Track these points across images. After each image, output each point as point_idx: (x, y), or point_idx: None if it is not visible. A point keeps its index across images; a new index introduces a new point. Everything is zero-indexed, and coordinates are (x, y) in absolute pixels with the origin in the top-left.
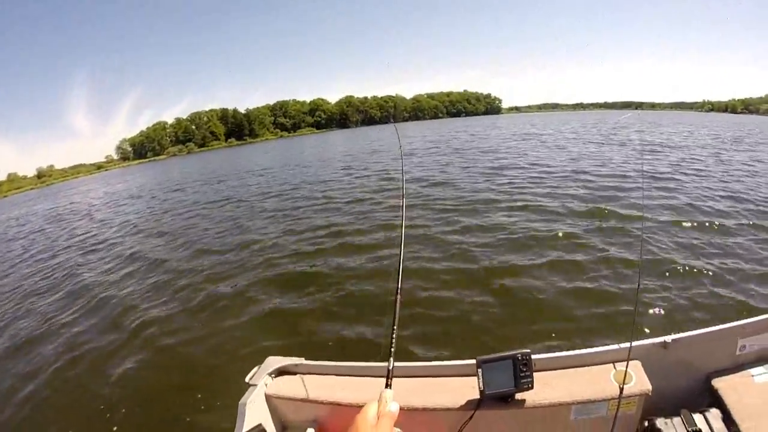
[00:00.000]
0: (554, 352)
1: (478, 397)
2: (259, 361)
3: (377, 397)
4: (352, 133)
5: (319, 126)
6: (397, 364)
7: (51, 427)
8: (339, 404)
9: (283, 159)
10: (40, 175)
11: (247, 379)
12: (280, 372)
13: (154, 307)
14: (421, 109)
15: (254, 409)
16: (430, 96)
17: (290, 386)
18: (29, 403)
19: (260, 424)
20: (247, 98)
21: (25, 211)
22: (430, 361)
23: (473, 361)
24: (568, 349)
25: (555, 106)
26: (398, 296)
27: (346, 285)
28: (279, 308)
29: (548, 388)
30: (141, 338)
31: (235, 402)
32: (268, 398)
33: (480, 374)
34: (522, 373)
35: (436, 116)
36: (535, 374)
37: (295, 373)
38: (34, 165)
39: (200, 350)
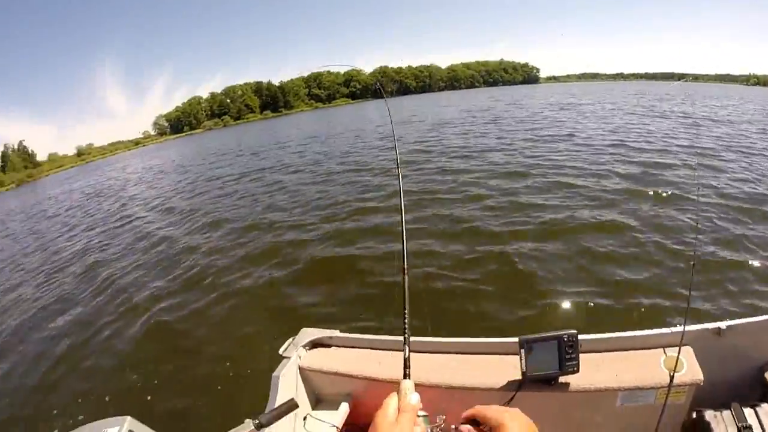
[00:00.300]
0: (601, 333)
1: (520, 378)
2: (293, 333)
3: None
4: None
5: (354, 96)
6: (433, 339)
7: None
8: (374, 379)
9: (318, 130)
10: (80, 154)
11: (280, 351)
12: (314, 344)
13: (181, 277)
14: (457, 79)
15: (287, 382)
16: (466, 65)
17: (324, 359)
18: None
19: (293, 399)
20: (279, 72)
21: (66, 188)
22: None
23: (515, 340)
24: (615, 331)
25: (594, 76)
26: (405, 276)
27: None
28: (317, 281)
29: (595, 371)
30: (168, 306)
31: (267, 373)
32: (302, 371)
33: (522, 354)
34: (568, 355)
35: (472, 85)
36: (580, 356)
37: (329, 346)
38: (74, 144)
39: (232, 320)
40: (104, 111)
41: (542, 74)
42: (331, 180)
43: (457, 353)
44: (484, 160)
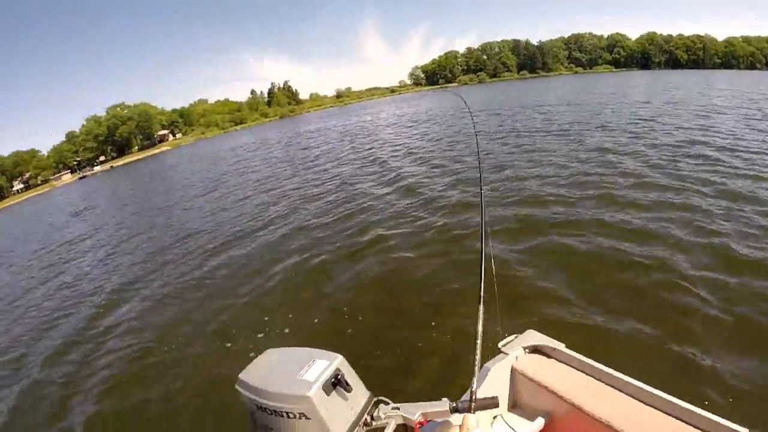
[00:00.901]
0: None
1: None
2: (519, 331)
3: (624, 413)
4: (653, 76)
5: (617, 64)
6: (663, 395)
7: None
8: (579, 408)
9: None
10: (339, 96)
11: (500, 345)
12: (535, 349)
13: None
14: (735, 56)
15: (496, 377)
16: (746, 40)
17: (539, 368)
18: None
19: (497, 397)
20: (537, 30)
21: (324, 125)
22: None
23: None
24: None
25: None
26: (481, 296)
27: None
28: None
29: None
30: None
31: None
32: (513, 371)
33: None
34: None
35: (752, 66)
36: None
37: (548, 356)
38: (332, 86)
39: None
40: (363, 57)
41: None
42: None
43: (675, 418)
44: None
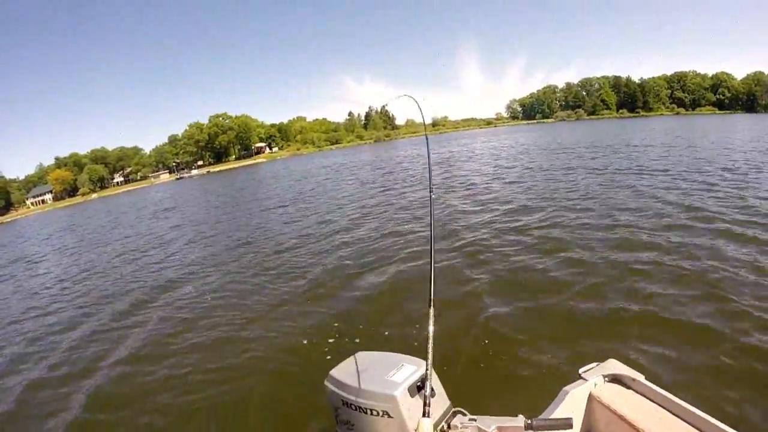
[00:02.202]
0: None
1: None
2: (600, 358)
3: None
4: (759, 119)
5: (721, 106)
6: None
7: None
8: None
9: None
10: (435, 124)
11: (581, 371)
12: (614, 378)
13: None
14: None
15: (573, 402)
16: None
17: (617, 398)
18: None
19: (570, 419)
20: (640, 66)
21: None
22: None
23: None
24: None
25: None
26: (431, 308)
27: None
28: None
29: None
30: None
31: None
32: (591, 399)
33: None
34: None
35: None
36: None
37: (628, 387)
38: (428, 114)
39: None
40: (459, 86)
41: None
42: None
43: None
44: None
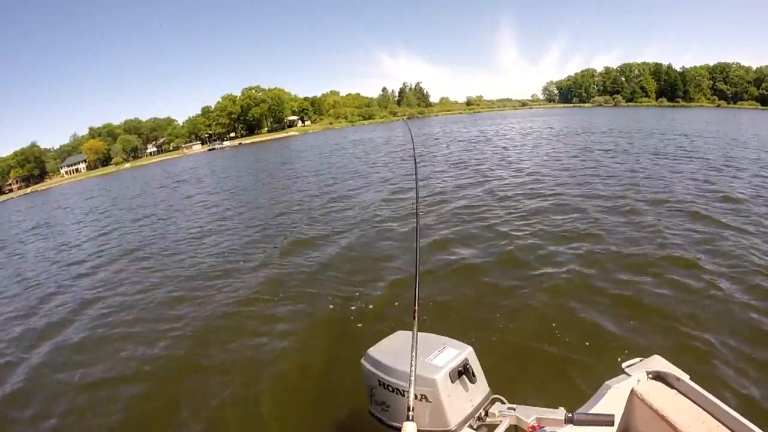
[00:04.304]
0: None
1: None
2: (645, 353)
3: None
4: None
5: (764, 101)
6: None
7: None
8: None
9: None
10: (469, 103)
11: (624, 365)
12: (658, 376)
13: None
14: None
15: (614, 397)
16: None
17: (659, 396)
18: None
19: (612, 416)
20: (683, 55)
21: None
22: None
23: None
24: None
25: None
26: (416, 307)
27: None
28: None
29: None
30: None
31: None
32: (632, 395)
33: None
34: None
35: None
36: None
37: (671, 386)
38: (463, 92)
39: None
40: (496, 66)
41: None
42: None
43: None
44: None
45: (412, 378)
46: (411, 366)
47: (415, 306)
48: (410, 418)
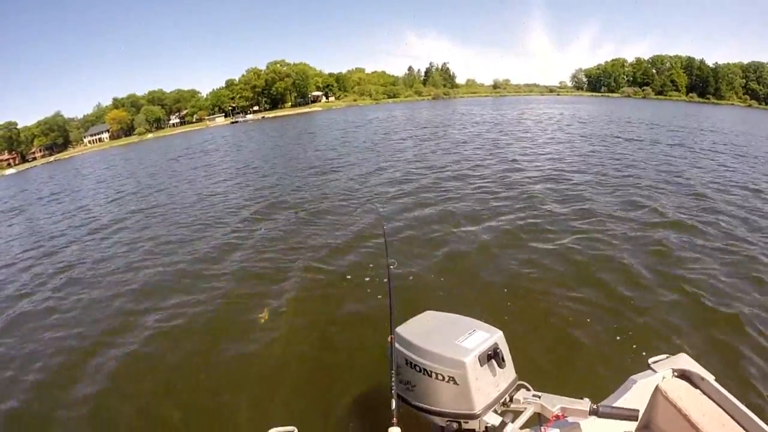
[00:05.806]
0: None
1: None
2: (671, 350)
3: None
4: None
5: None
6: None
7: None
8: None
9: None
10: (495, 86)
11: (650, 361)
12: (683, 374)
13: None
14: None
15: (638, 392)
16: None
17: (683, 395)
18: None
19: (636, 411)
20: (715, 50)
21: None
22: None
23: None
24: None
25: None
26: (391, 316)
27: None
28: None
29: None
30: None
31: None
32: (657, 391)
33: None
34: None
35: None
36: None
37: (695, 386)
38: (489, 75)
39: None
40: (524, 50)
41: None
42: None
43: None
44: None
45: (393, 381)
46: (392, 369)
47: (390, 334)
48: (394, 423)
